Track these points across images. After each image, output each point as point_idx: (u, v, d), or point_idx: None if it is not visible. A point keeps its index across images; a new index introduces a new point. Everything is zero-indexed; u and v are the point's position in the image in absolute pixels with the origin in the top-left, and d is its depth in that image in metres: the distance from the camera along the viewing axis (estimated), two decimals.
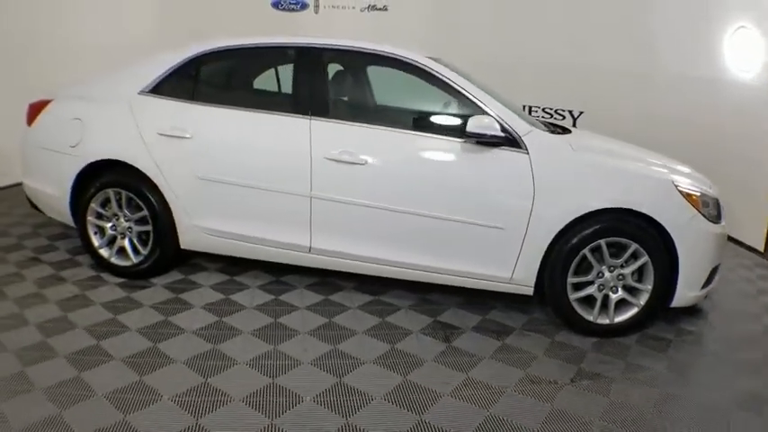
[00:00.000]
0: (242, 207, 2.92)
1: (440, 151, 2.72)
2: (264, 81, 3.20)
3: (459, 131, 2.70)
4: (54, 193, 3.21)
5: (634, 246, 2.64)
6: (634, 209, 2.60)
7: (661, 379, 2.47)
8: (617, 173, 2.71)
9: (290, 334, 2.66)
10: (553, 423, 2.14)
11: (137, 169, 2.98)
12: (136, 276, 3.15)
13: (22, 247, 3.59)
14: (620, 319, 2.74)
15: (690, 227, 2.63)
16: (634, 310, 2.72)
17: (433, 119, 2.89)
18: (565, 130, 3.05)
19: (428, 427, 2.07)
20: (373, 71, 2.96)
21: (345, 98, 3.12)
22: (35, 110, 3.27)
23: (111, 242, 3.17)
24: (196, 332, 2.64)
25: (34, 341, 2.49)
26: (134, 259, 3.12)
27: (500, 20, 5.24)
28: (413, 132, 2.78)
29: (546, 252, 2.68)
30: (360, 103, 3.21)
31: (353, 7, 5.14)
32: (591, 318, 2.74)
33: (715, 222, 2.72)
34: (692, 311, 3.01)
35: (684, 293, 2.70)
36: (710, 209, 2.70)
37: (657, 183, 2.68)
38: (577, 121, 5.09)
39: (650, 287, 2.68)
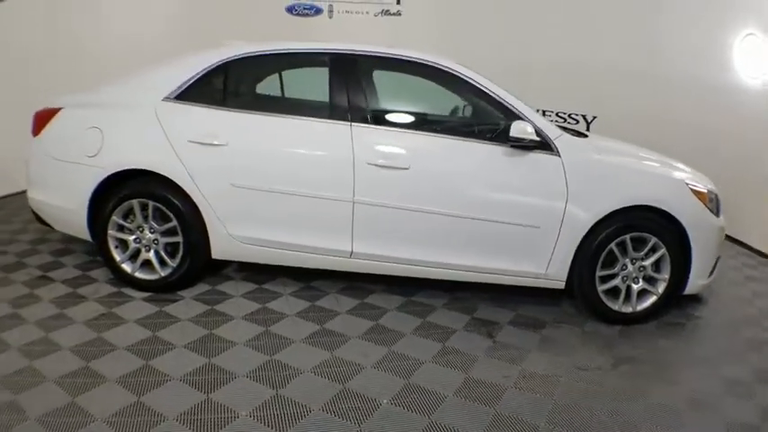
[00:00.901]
0: (281, 214, 2.80)
1: (479, 155, 2.75)
2: (297, 87, 3.07)
3: (496, 136, 2.73)
4: (68, 206, 2.93)
5: (653, 239, 2.78)
6: (654, 206, 2.74)
7: (688, 359, 2.64)
8: (638, 173, 2.85)
9: (342, 339, 2.59)
10: (614, 403, 2.22)
11: (165, 178, 2.79)
12: (162, 290, 2.95)
13: (25, 264, 3.25)
14: (641, 307, 2.87)
15: (700, 221, 2.81)
16: (653, 299, 2.87)
17: (471, 124, 2.91)
18: (580, 135, 3.16)
19: (504, 418, 2.09)
20: (408, 77, 2.93)
21: (383, 104, 3.06)
22: (42, 119, 2.98)
23: (133, 256, 2.93)
24: (247, 344, 2.51)
25: (75, 367, 2.26)
26: (161, 272, 2.91)
27: (513, 24, 5.14)
28: (452, 137, 2.79)
29: (577, 248, 2.76)
30: (397, 108, 3.16)
31: (367, 12, 5.04)
32: (616, 307, 2.86)
33: (717, 216, 2.92)
34: (695, 299, 3.21)
35: (695, 282, 2.88)
36: (714, 204, 2.90)
37: (672, 181, 2.85)
38: (591, 126, 5.14)
39: (667, 276, 2.83)
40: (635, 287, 2.87)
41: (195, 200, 2.78)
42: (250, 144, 2.77)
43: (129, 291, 2.96)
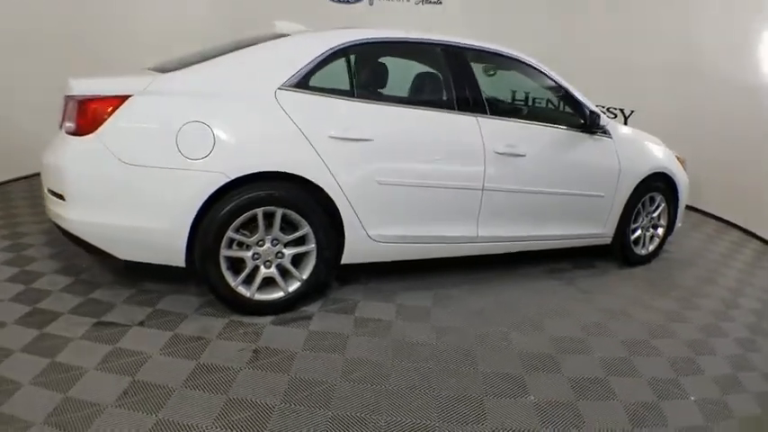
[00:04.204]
0: (420, 208, 2.58)
1: (568, 140, 3.00)
2: (408, 77, 2.73)
3: (574, 124, 3.02)
4: (156, 226, 2.12)
5: (659, 197, 3.47)
6: (663, 171, 3.42)
7: (700, 279, 3.42)
8: (652, 148, 3.49)
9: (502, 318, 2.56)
10: (694, 316, 2.86)
11: (294, 180, 2.24)
12: (282, 310, 2.39)
13: (57, 312, 2.23)
14: (651, 249, 3.58)
15: (682, 179, 3.62)
16: (657, 241, 3.60)
17: (556, 114, 3.08)
18: None
19: (648, 323, 2.45)
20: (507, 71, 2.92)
21: (494, 96, 2.96)
22: (97, 110, 2.02)
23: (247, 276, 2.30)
24: (441, 345, 2.28)
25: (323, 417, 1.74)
26: (288, 289, 2.35)
27: (553, 17, 4.92)
28: (553, 126, 2.97)
29: (623, 209, 3.26)
30: (506, 100, 3.09)
31: (408, 0, 4.46)
32: (637, 251, 3.49)
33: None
34: None
35: (678, 225, 3.70)
36: (685, 165, 3.73)
37: (668, 152, 3.58)
38: (629, 120, 5.13)
39: (665, 223, 3.59)
40: (647, 234, 3.55)
41: (337, 202, 2.33)
42: (394, 138, 2.45)
43: (240, 318, 2.33)
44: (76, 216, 2.10)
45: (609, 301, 2.91)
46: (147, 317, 2.27)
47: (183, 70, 2.22)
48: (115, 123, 2.03)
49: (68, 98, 2.17)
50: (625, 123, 5.09)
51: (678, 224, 3.76)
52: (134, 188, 2.07)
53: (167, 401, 1.76)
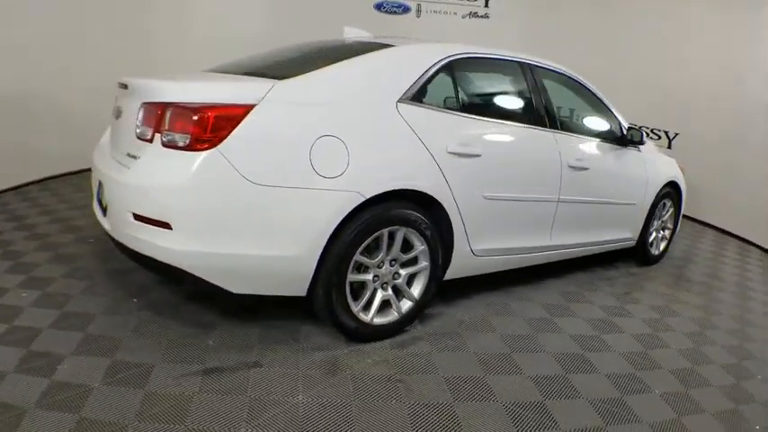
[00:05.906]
0: (513, 221, 2.61)
1: (615, 153, 3.20)
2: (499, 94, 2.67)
3: (612, 138, 3.21)
4: (286, 254, 1.86)
5: (669, 202, 3.81)
6: (673, 180, 3.75)
7: (705, 273, 3.81)
8: (666, 159, 3.80)
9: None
10: (695, 311, 3.13)
11: (412, 198, 2.12)
12: (396, 332, 2.25)
13: (145, 365, 1.88)
14: (661, 249, 3.90)
15: (683, 186, 3.98)
16: (665, 242, 3.94)
17: (604, 130, 3.22)
18: None
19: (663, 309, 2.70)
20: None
21: (562, 113, 3.02)
22: (218, 121, 1.72)
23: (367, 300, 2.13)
24: (550, 348, 2.28)
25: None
26: (403, 310, 2.20)
27: (601, 37, 4.78)
28: (600, 141, 3.13)
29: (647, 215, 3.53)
30: (564, 117, 3.14)
31: (455, 13, 4.27)
32: (652, 251, 3.79)
33: None
34: None
35: (677, 229, 4.08)
36: (683, 173, 4.12)
37: (675, 163, 3.92)
38: (672, 142, 5.04)
39: (672, 226, 3.94)
40: (659, 236, 3.87)
41: (452, 218, 2.24)
42: (498, 153, 2.45)
43: (358, 345, 2.15)
44: (186, 246, 1.75)
45: (650, 299, 3.13)
46: (258, 356, 1.98)
47: (301, 78, 1.97)
48: (241, 137, 1.75)
49: (162, 105, 1.80)
50: (669, 146, 5.15)
51: (677, 228, 4.15)
52: (262, 212, 1.80)
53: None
